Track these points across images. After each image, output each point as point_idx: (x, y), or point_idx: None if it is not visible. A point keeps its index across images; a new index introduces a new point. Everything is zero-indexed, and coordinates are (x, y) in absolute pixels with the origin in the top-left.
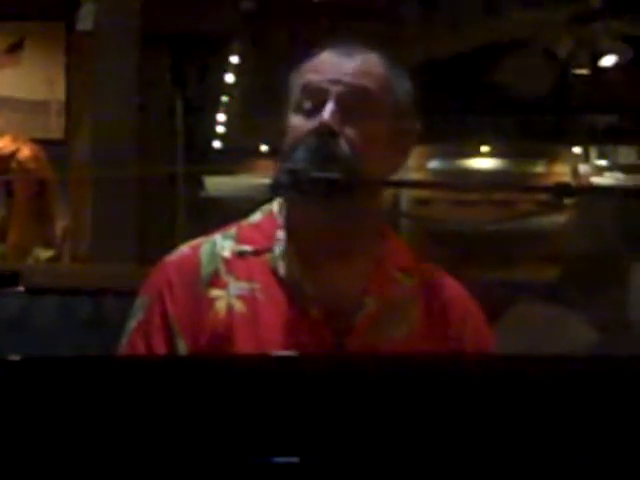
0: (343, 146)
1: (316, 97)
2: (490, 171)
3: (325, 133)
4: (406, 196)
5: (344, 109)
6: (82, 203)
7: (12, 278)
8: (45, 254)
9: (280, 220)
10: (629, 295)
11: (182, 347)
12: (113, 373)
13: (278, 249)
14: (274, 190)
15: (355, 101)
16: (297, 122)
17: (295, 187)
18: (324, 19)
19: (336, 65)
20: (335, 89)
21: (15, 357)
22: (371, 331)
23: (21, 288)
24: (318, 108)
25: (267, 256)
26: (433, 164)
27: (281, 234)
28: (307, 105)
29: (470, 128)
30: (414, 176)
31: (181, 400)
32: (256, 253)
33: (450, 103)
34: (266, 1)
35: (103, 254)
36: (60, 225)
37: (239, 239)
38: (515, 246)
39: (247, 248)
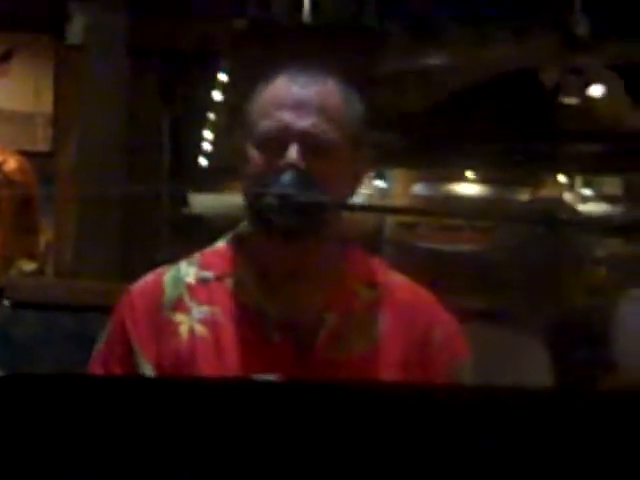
0: (309, 181)
1: (278, 136)
2: (474, 197)
3: (292, 171)
4: (390, 221)
5: (306, 147)
6: (66, 217)
7: None
8: (28, 266)
9: (240, 245)
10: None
11: (148, 372)
12: (89, 391)
13: (239, 273)
14: (262, 214)
15: (316, 140)
16: (257, 156)
17: (282, 212)
18: (313, 42)
19: (296, 104)
20: (297, 130)
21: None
22: (332, 347)
23: (5, 302)
24: (280, 146)
25: (228, 281)
26: (418, 189)
27: (242, 259)
28: (268, 143)
29: (455, 154)
30: (399, 201)
31: (159, 420)
32: (217, 279)
33: (436, 129)
34: (257, 21)
35: (86, 269)
36: (44, 238)
37: (201, 265)
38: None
39: (208, 274)
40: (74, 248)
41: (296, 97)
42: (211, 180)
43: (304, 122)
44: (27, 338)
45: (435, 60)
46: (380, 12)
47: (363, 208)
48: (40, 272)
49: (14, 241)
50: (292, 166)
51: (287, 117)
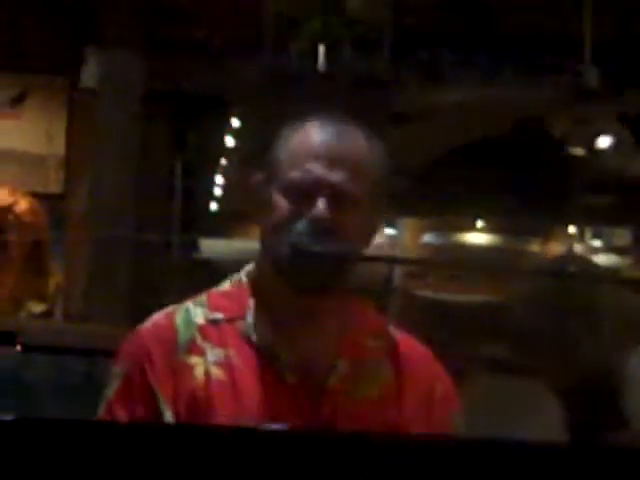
0: (330, 235)
1: (308, 187)
2: (484, 247)
3: (318, 224)
4: (399, 270)
5: (334, 201)
6: (77, 259)
7: (9, 336)
8: (37, 308)
9: (250, 288)
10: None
11: (167, 414)
12: (104, 437)
13: (250, 317)
14: (279, 263)
15: (344, 194)
16: (282, 204)
17: (298, 260)
18: (329, 89)
19: (328, 156)
20: (327, 183)
21: (7, 417)
22: (344, 392)
23: (18, 347)
24: (308, 196)
25: (239, 323)
26: (427, 238)
27: (252, 302)
28: (296, 192)
29: (466, 203)
30: (408, 250)
31: (174, 467)
32: (228, 321)
33: (447, 177)
34: (271, 68)
35: (95, 312)
36: (54, 280)
37: (210, 307)
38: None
39: (219, 316)
40: (84, 291)
41: (328, 149)
42: (222, 226)
43: (335, 176)
44: (37, 382)
45: (447, 106)
46: (394, 60)
47: (380, 259)
48: (49, 314)
49: (24, 282)
50: (319, 219)
51: (318, 169)
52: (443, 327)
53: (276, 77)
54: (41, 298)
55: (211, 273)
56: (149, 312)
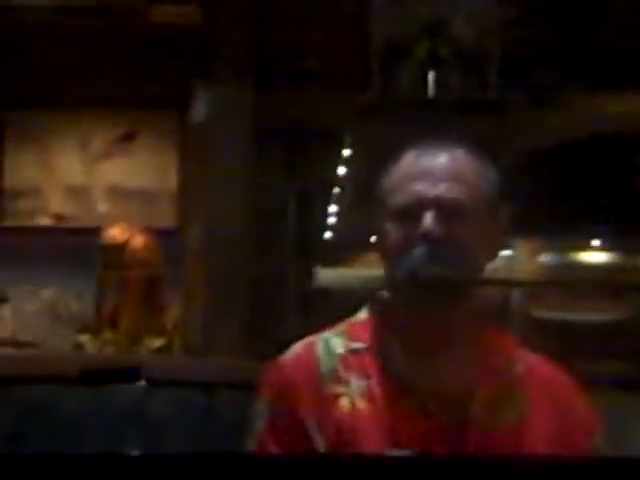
0: (445, 249)
1: (412, 207)
2: (602, 265)
3: (428, 240)
4: (517, 291)
5: (442, 214)
6: (194, 293)
7: (134, 372)
8: (156, 343)
9: (382, 317)
10: None
11: (319, 444)
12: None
13: (385, 345)
14: (398, 290)
15: (450, 208)
16: (394, 231)
17: (414, 285)
18: (435, 114)
19: (427, 174)
20: (430, 198)
21: (135, 453)
22: (484, 421)
23: (143, 382)
24: (415, 217)
25: (377, 352)
26: (543, 258)
27: (386, 330)
28: (403, 215)
29: (582, 221)
30: (524, 271)
31: None
32: (367, 350)
33: (563, 196)
34: (381, 96)
35: (213, 346)
36: (171, 314)
37: (350, 337)
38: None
39: (359, 345)
40: (202, 325)
41: (426, 167)
42: (337, 254)
43: (436, 189)
44: (161, 416)
45: (558, 130)
46: (502, 84)
47: (497, 282)
48: (168, 348)
49: (141, 318)
50: (427, 234)
51: (419, 187)
52: (562, 346)
53: (387, 105)
54: (159, 333)
55: (327, 303)
56: (266, 344)
